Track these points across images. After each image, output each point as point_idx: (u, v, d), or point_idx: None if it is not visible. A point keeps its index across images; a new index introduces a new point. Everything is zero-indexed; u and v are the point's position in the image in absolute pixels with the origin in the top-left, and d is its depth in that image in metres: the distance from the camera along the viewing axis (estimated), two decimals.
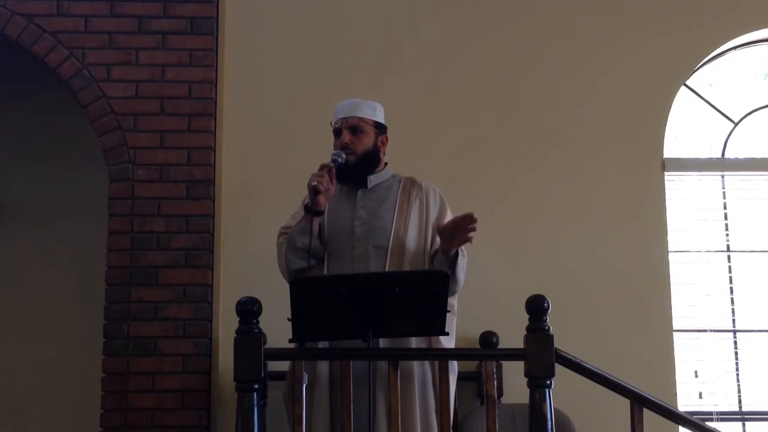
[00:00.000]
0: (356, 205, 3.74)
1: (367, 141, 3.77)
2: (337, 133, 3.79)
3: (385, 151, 3.85)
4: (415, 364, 3.55)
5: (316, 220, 3.59)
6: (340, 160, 3.65)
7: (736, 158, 5.00)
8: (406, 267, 3.62)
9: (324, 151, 4.64)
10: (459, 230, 3.48)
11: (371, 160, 3.78)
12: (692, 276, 4.83)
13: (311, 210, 3.57)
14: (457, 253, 3.57)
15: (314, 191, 3.54)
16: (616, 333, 4.57)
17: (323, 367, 3.54)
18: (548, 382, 3.41)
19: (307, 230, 3.56)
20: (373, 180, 3.79)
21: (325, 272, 3.64)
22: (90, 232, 4.87)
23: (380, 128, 3.82)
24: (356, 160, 3.73)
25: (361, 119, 3.77)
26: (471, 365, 4.36)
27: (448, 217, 3.70)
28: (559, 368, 3.44)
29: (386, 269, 3.60)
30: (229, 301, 4.01)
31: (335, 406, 3.49)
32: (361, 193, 3.77)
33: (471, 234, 3.47)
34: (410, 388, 3.51)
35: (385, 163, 3.86)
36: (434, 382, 3.54)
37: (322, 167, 3.60)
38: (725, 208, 4.93)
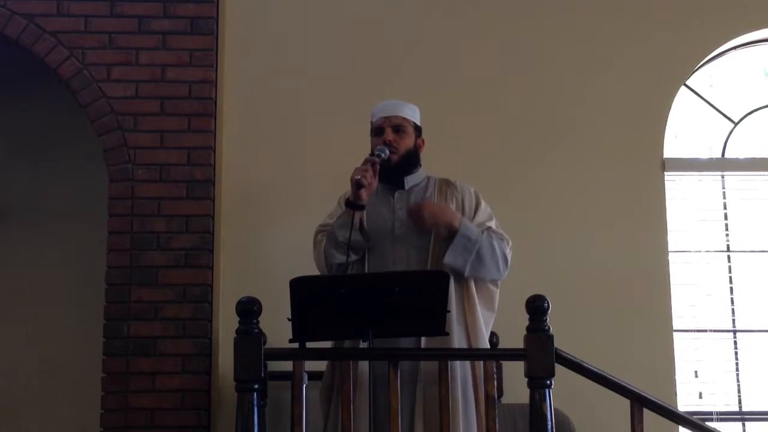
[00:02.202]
0: (394, 206, 3.73)
1: (409, 141, 3.75)
2: (379, 131, 3.76)
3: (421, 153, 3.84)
4: (458, 364, 3.54)
5: (358, 215, 3.57)
6: (383, 155, 3.62)
7: (736, 158, 5.01)
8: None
9: (324, 150, 4.67)
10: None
11: (411, 161, 3.77)
12: (692, 276, 4.83)
13: (353, 204, 3.55)
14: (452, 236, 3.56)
15: (357, 185, 3.52)
16: (616, 333, 4.57)
17: (365, 366, 3.49)
18: (548, 382, 3.41)
19: (348, 224, 3.53)
20: (409, 181, 3.77)
21: (366, 270, 3.62)
22: (90, 232, 4.86)
23: (418, 130, 3.82)
24: (399, 160, 3.71)
25: (404, 119, 3.76)
26: None
27: (480, 213, 3.71)
28: (559, 368, 3.44)
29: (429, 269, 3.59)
30: (229, 301, 4.01)
31: (378, 406, 3.41)
32: (398, 194, 3.75)
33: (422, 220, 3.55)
34: (454, 387, 3.50)
35: (420, 164, 3.85)
36: (475, 381, 3.55)
37: (366, 161, 3.58)
38: (725, 208, 4.93)
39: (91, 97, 4.46)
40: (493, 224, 3.73)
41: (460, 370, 3.54)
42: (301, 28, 4.84)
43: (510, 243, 3.72)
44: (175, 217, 4.39)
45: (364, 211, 3.62)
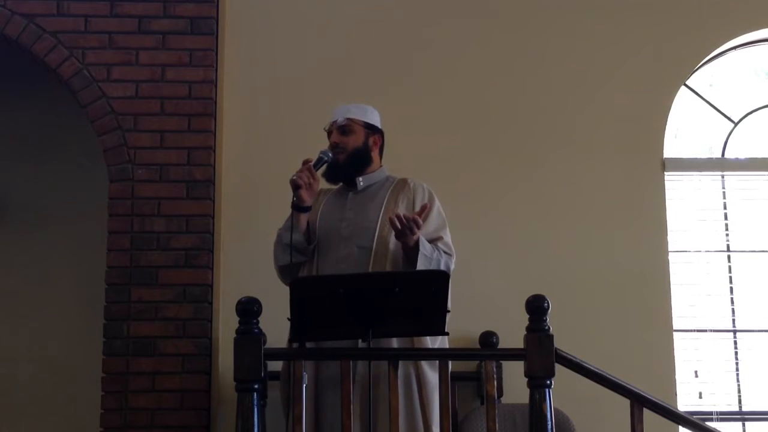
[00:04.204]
0: (346, 206, 3.77)
1: (356, 140, 3.79)
2: (329, 135, 3.84)
3: (378, 152, 3.85)
4: (400, 367, 3.49)
5: (303, 217, 3.65)
6: (325, 158, 3.72)
7: (736, 158, 5.00)
8: (389, 267, 3.61)
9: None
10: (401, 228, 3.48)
11: (362, 159, 3.80)
12: (692, 276, 4.83)
13: (296, 206, 3.63)
14: (416, 248, 3.51)
15: (294, 186, 3.60)
16: (616, 333, 4.57)
17: (310, 368, 3.53)
18: (548, 382, 3.41)
19: (291, 226, 3.61)
20: (363, 181, 3.80)
21: (315, 271, 3.66)
22: (90, 232, 4.87)
23: (371, 128, 3.83)
24: (346, 158, 3.76)
25: (350, 119, 3.80)
26: (471, 365, 4.36)
27: (432, 218, 3.67)
28: (559, 368, 3.45)
29: (370, 269, 3.60)
30: (229, 301, 4.01)
31: (324, 405, 3.50)
32: (351, 195, 3.80)
33: (405, 232, 3.47)
34: (394, 390, 3.47)
35: (381, 165, 3.87)
36: (420, 385, 3.53)
37: (304, 163, 3.66)
38: (725, 208, 4.93)
39: (91, 97, 4.46)
40: (444, 234, 3.70)
41: (402, 370, 3.48)
42: (301, 27, 4.84)
43: (454, 258, 3.69)
44: (175, 217, 4.39)
45: (317, 214, 3.72)
